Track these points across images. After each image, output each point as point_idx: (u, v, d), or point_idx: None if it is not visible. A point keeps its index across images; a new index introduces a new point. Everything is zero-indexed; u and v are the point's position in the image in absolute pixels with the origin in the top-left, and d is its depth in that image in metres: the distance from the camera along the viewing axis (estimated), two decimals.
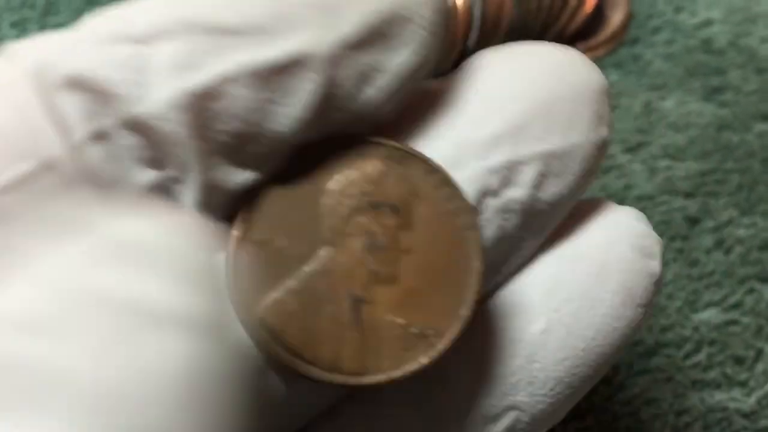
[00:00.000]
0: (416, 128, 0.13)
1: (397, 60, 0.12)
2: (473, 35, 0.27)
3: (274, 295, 0.12)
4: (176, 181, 0.12)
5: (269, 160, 0.12)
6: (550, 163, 0.13)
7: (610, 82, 0.30)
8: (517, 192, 0.13)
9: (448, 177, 0.12)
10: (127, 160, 0.12)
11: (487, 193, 0.13)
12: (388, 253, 0.12)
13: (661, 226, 0.27)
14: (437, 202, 0.12)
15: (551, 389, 0.14)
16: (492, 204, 0.13)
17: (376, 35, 0.12)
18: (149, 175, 0.12)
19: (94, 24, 0.12)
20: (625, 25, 0.31)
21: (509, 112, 0.13)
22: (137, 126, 0.11)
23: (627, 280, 0.14)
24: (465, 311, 0.12)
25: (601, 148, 0.14)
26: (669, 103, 0.29)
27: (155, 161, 0.12)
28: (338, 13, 0.12)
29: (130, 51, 0.11)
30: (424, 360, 0.12)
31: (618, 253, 0.14)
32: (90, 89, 0.12)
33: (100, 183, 0.12)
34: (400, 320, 0.12)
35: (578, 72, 0.14)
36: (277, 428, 0.13)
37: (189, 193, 0.12)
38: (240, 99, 0.11)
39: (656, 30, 0.31)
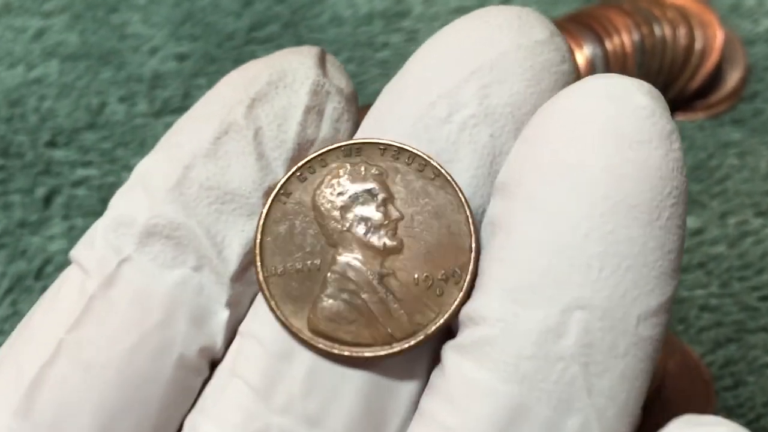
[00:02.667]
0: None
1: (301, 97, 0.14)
2: None
3: (318, 305, 0.13)
4: (197, 269, 0.14)
5: (246, 212, 0.14)
6: (484, 76, 0.14)
7: (732, 140, 0.29)
8: (467, 110, 0.14)
9: (398, 146, 0.14)
10: (157, 266, 0.14)
11: (441, 123, 0.14)
12: (386, 227, 0.13)
13: None
14: (400, 167, 0.14)
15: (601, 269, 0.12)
16: (448, 128, 0.14)
17: (272, 87, 0.14)
18: (174, 275, 0.14)
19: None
20: (744, 80, 0.30)
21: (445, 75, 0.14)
22: (153, 232, 0.14)
23: None
24: (471, 242, 0.13)
25: (534, 48, 0.14)
26: None
27: (176, 259, 0.14)
28: (244, 82, 0.15)
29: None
30: (459, 294, 0.13)
31: None
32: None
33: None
34: (423, 275, 0.13)
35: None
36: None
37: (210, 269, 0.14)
38: (204, 172, 0.14)
39: None
